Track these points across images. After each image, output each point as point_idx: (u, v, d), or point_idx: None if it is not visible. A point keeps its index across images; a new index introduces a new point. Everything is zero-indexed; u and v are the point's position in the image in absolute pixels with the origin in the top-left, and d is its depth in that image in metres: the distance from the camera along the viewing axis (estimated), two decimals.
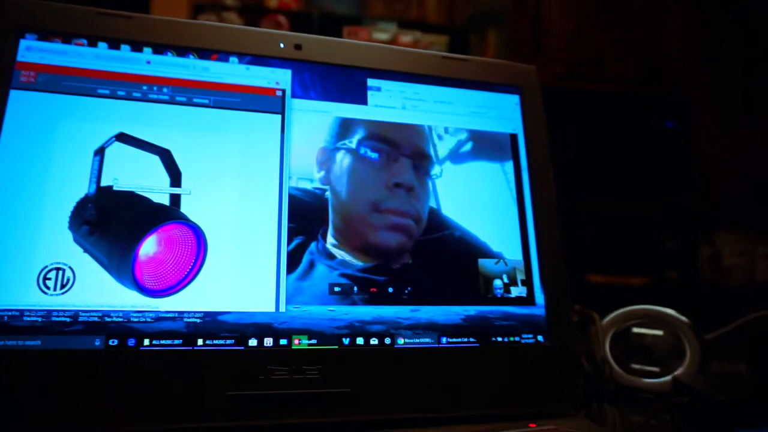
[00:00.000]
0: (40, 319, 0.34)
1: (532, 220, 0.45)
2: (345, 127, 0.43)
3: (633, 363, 0.52)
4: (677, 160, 2.11)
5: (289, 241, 0.39)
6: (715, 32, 2.20)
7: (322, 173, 0.42)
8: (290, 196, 0.40)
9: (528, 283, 0.44)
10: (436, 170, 0.45)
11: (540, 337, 0.42)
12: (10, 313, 0.34)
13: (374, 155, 0.43)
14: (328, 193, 0.41)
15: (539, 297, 0.43)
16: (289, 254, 0.39)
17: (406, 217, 0.43)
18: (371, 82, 0.45)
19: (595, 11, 2.21)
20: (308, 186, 0.41)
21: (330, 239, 0.41)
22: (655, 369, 0.51)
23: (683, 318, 0.54)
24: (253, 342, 0.37)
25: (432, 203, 0.44)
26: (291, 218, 0.40)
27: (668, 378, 0.50)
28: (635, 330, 0.54)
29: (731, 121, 2.15)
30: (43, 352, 0.33)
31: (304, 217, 0.40)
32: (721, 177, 2.11)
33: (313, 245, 0.40)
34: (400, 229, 0.42)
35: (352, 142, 0.43)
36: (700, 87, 2.19)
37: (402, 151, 0.44)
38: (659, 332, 0.54)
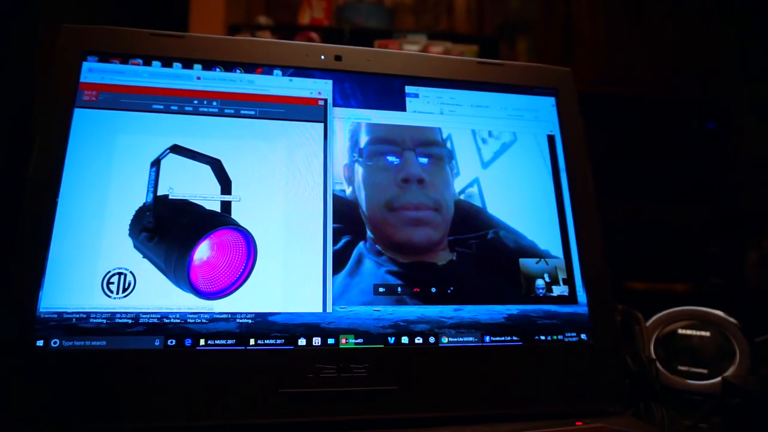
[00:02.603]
0: (104, 321, 0.36)
1: (572, 219, 0.45)
2: (354, 140, 0.44)
3: (679, 364, 0.51)
4: (719, 162, 2.06)
5: (336, 242, 0.41)
6: (751, 30, 2.14)
7: (351, 188, 0.43)
8: (335, 198, 0.42)
9: (570, 282, 0.44)
10: (451, 160, 0.45)
11: (584, 336, 0.42)
12: (78, 316, 0.36)
13: (380, 158, 0.44)
14: (358, 205, 0.43)
15: (581, 296, 0.44)
16: (336, 254, 0.41)
17: (422, 210, 0.43)
18: (409, 89, 0.46)
19: (626, 15, 2.18)
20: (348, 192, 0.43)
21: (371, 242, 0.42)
22: (703, 371, 0.50)
23: (732, 319, 0.53)
24: (302, 342, 0.38)
25: (476, 200, 0.45)
26: (336, 219, 0.41)
27: (717, 379, 0.49)
28: (681, 331, 0.53)
29: None
30: (108, 352, 0.36)
31: (350, 218, 0.42)
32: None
33: (361, 244, 0.41)
34: (421, 223, 0.43)
35: (360, 153, 0.44)
36: (740, 87, 2.13)
37: (405, 145, 0.44)
38: (706, 333, 0.53)
